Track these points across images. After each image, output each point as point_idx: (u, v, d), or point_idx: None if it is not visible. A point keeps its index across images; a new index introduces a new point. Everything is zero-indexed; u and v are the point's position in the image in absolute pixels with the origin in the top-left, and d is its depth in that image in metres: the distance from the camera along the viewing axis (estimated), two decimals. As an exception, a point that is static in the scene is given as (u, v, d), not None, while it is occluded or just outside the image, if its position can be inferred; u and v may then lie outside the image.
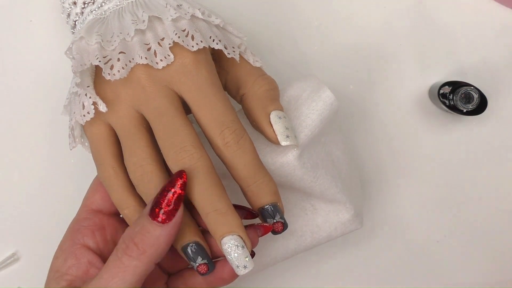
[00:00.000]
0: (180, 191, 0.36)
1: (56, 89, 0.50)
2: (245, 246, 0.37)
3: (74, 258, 0.39)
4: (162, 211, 0.36)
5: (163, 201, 0.36)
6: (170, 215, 0.36)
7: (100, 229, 0.40)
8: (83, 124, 0.40)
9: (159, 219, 0.36)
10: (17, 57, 0.53)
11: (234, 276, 0.39)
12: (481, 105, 0.50)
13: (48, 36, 0.53)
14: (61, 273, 0.38)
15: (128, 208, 0.39)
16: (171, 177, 0.37)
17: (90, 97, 0.39)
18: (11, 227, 0.50)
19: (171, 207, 0.36)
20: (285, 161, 0.41)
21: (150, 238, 0.36)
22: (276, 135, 0.40)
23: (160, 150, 0.39)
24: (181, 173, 0.36)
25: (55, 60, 0.51)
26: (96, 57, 0.38)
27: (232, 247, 0.37)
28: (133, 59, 0.38)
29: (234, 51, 0.41)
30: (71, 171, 0.50)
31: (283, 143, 0.40)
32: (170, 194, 0.36)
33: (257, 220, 0.41)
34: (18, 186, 0.51)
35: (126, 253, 0.36)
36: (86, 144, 0.42)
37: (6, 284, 0.49)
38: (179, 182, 0.36)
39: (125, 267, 0.35)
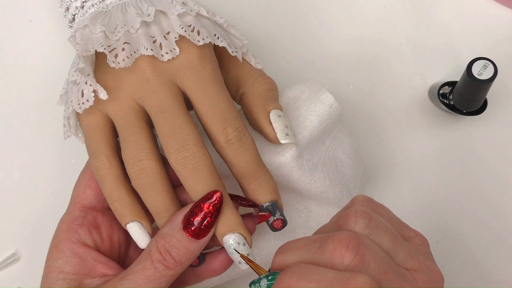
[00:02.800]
0: (216, 212, 0.37)
1: (56, 89, 0.50)
2: (246, 243, 0.38)
3: (78, 257, 0.39)
4: (198, 228, 0.37)
5: (199, 217, 0.37)
6: (205, 232, 0.37)
7: (96, 228, 0.40)
8: (80, 113, 0.39)
9: (196, 235, 0.37)
10: (17, 57, 0.53)
11: (223, 268, 0.40)
12: (481, 105, 0.50)
13: (48, 36, 0.53)
14: (66, 273, 0.38)
15: (119, 201, 0.39)
16: (206, 194, 0.37)
17: (90, 85, 0.39)
18: (11, 227, 0.50)
19: (206, 225, 0.37)
20: (283, 161, 0.41)
21: (187, 253, 0.37)
22: (275, 133, 0.40)
23: (158, 145, 0.39)
24: (216, 192, 0.37)
25: (55, 60, 0.52)
26: (101, 44, 0.38)
27: (234, 245, 0.38)
28: (137, 50, 0.38)
29: (236, 51, 0.41)
30: (71, 171, 0.50)
31: (282, 141, 0.40)
32: (205, 213, 0.37)
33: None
34: (18, 186, 0.51)
35: (163, 263, 0.37)
36: (80, 135, 0.42)
37: (6, 284, 0.49)
38: (215, 200, 0.37)
39: (161, 275, 0.37)
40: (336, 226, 0.34)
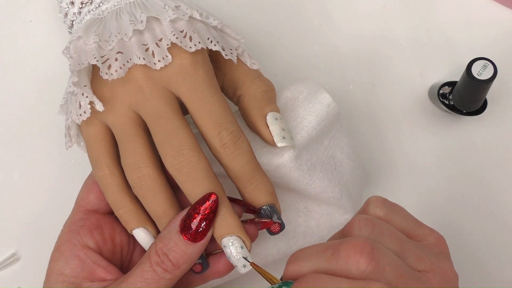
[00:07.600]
0: (212, 215, 0.37)
1: (56, 89, 0.50)
2: (244, 246, 0.38)
3: (78, 259, 0.39)
4: (194, 231, 0.37)
5: (195, 220, 0.37)
6: (202, 235, 0.37)
7: (98, 228, 0.40)
8: (79, 124, 0.40)
9: (193, 239, 0.37)
10: (17, 57, 0.53)
11: (228, 270, 0.40)
12: (481, 105, 0.50)
13: (47, 37, 0.53)
14: (66, 276, 0.39)
15: (123, 208, 0.40)
16: (201, 197, 0.37)
17: (86, 97, 0.39)
18: (11, 227, 0.50)
19: (203, 228, 0.37)
20: (281, 162, 0.41)
21: (184, 256, 0.37)
22: (272, 136, 0.40)
23: (157, 151, 0.39)
24: (211, 194, 0.37)
25: (55, 60, 0.52)
26: (94, 56, 0.38)
27: (232, 248, 0.38)
28: (130, 59, 0.38)
29: (231, 53, 0.41)
30: (71, 171, 0.51)
31: (279, 144, 0.40)
32: (201, 216, 0.37)
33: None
34: (18, 186, 0.51)
35: (161, 266, 0.37)
36: (82, 144, 0.42)
37: (6, 284, 0.49)
38: (211, 202, 0.37)
39: (160, 278, 0.37)
40: (342, 235, 0.34)
